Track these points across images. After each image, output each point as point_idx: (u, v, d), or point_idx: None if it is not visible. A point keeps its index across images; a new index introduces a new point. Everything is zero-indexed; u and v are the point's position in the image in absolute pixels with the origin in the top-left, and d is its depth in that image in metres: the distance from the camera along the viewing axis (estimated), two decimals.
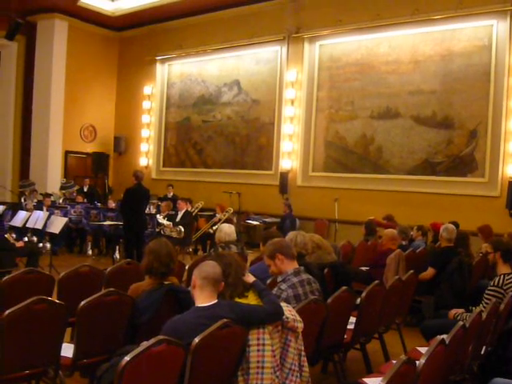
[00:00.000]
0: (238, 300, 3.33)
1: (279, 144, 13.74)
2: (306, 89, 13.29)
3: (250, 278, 3.47)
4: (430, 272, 6.48)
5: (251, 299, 3.39)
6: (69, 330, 4.21)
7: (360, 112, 12.44)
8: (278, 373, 3.20)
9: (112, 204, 12.49)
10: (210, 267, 3.25)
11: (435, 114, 11.38)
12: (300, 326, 3.34)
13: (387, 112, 12.01)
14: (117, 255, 10.49)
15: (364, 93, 12.37)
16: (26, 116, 16.21)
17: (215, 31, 14.75)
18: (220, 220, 11.20)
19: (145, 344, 2.65)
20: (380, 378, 2.53)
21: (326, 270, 5.07)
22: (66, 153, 16.38)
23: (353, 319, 4.45)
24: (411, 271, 5.45)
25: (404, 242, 7.60)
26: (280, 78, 13.77)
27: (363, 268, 7.24)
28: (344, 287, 4.28)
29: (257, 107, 14.29)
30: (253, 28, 13.92)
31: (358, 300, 4.40)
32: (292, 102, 13.50)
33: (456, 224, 7.66)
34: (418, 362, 2.79)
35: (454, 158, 11.18)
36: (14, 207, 11.26)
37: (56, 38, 15.60)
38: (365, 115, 12.35)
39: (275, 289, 3.90)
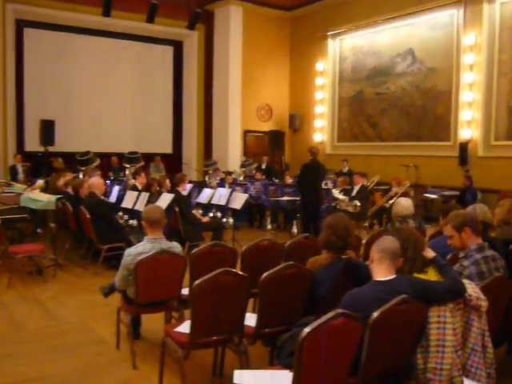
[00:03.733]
0: (417, 275, 3.27)
1: (457, 113, 12.99)
2: (486, 52, 12.33)
3: (429, 253, 3.38)
4: None
5: (431, 275, 3.31)
6: (251, 301, 4.45)
7: None
8: (459, 352, 3.10)
9: (289, 180, 12.80)
10: (389, 241, 3.22)
11: None
12: (484, 304, 3.19)
13: None
14: (294, 230, 10.77)
15: None
16: (208, 100, 17.23)
17: (386, 0, 14.29)
18: (396, 194, 10.94)
19: (325, 316, 2.71)
20: None
21: (511, 246, 4.75)
22: (245, 132, 17.13)
23: None
24: None
25: None
26: (457, 43, 12.95)
27: None
28: None
29: (432, 75, 13.62)
30: None
31: None
32: (471, 68, 12.65)
33: None
34: None
35: None
36: (200, 185, 12.08)
37: (232, 23, 16.31)
38: None
39: (457, 265, 3.75)
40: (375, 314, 2.84)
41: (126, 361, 4.43)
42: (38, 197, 8.20)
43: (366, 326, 2.84)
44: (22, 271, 7.34)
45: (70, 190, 8.58)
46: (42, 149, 13.90)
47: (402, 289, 3.02)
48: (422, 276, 3.27)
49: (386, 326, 2.91)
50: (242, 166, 14.69)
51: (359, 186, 10.93)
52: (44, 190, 9.38)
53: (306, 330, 2.62)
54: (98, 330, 5.22)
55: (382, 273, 3.13)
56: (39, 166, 13.62)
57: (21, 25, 14.73)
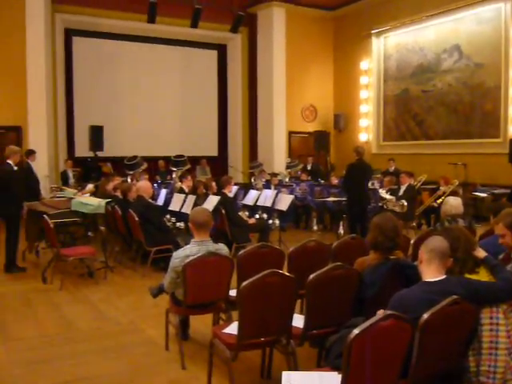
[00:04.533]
0: (468, 276, 3.20)
1: (507, 109, 12.64)
2: None
3: (480, 253, 3.31)
4: None
5: (482, 275, 3.23)
6: (298, 302, 4.44)
7: None
8: None
9: (335, 180, 12.71)
10: (438, 241, 3.16)
11: None
12: None
13: None
14: (341, 230, 10.69)
15: None
16: (253, 102, 17.30)
17: None
18: (444, 193, 10.74)
19: (373, 318, 2.69)
20: None
21: None
22: (290, 133, 17.10)
23: None
24: None
25: None
26: (505, 37, 12.59)
27: None
28: None
29: (480, 71, 13.29)
30: None
31: None
32: None
33: None
34: None
35: None
36: (246, 187, 12.13)
37: (275, 25, 16.35)
38: None
39: (509, 265, 3.65)
40: (426, 316, 2.79)
41: (174, 361, 4.49)
42: (88, 201, 8.38)
43: (415, 328, 2.80)
44: (73, 273, 7.54)
45: (118, 193, 8.75)
46: (91, 154, 14.25)
47: (452, 289, 2.97)
48: (473, 276, 3.21)
49: (436, 328, 2.86)
50: (288, 167, 14.67)
51: (406, 185, 10.75)
52: (94, 194, 9.59)
53: (355, 331, 2.60)
54: (148, 330, 5.30)
55: (431, 273, 3.08)
56: (89, 170, 13.95)
57: (69, 34, 15.15)
